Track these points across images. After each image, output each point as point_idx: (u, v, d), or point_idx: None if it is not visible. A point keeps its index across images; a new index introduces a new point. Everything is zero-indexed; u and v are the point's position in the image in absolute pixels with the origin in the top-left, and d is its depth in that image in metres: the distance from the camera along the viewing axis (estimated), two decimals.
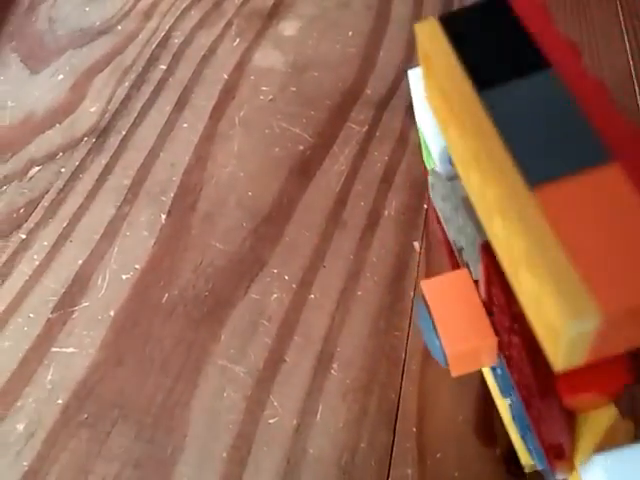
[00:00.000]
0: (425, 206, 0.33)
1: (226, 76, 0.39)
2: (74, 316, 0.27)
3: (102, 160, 0.33)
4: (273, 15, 0.44)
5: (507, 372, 0.17)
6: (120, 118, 0.35)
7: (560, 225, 0.11)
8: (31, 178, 0.32)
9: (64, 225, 0.30)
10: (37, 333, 0.26)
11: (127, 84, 0.37)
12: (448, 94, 0.13)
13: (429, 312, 0.18)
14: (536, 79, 0.13)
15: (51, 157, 0.33)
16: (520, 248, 0.11)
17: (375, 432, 0.24)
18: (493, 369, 0.20)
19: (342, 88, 0.39)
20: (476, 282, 0.18)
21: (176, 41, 0.41)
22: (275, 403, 0.25)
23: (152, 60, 0.39)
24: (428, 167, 0.24)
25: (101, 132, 0.35)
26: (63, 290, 0.28)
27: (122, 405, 0.25)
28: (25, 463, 0.23)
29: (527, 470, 0.21)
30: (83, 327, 0.27)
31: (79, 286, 0.28)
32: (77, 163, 0.33)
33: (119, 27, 0.41)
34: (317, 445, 0.24)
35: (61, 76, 0.37)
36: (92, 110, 0.36)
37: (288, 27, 0.43)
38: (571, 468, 0.17)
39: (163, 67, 0.39)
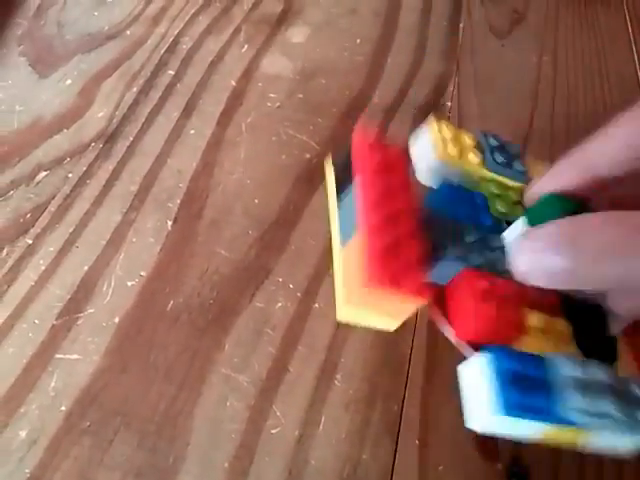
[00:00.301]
0: None
1: (234, 82, 0.39)
2: (79, 322, 0.27)
3: (109, 166, 0.33)
4: (281, 22, 0.44)
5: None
6: (128, 124, 0.35)
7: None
8: (38, 183, 0.32)
9: (70, 230, 0.30)
10: (41, 339, 0.26)
11: (135, 89, 0.37)
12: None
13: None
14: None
15: (58, 162, 0.33)
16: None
17: (378, 444, 0.24)
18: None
19: (349, 95, 0.39)
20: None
21: (184, 47, 0.41)
22: (278, 413, 0.25)
23: (160, 65, 0.39)
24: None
25: (108, 138, 0.35)
26: (68, 296, 0.28)
27: (125, 413, 0.25)
28: (27, 470, 0.23)
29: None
30: (88, 334, 0.27)
31: (84, 292, 0.28)
32: (84, 168, 0.33)
33: (128, 32, 0.41)
34: (319, 456, 0.24)
35: (69, 81, 0.38)
36: (100, 115, 0.36)
37: (296, 34, 0.43)
38: None
39: (171, 73, 0.39)
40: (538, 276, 0.20)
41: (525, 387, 0.20)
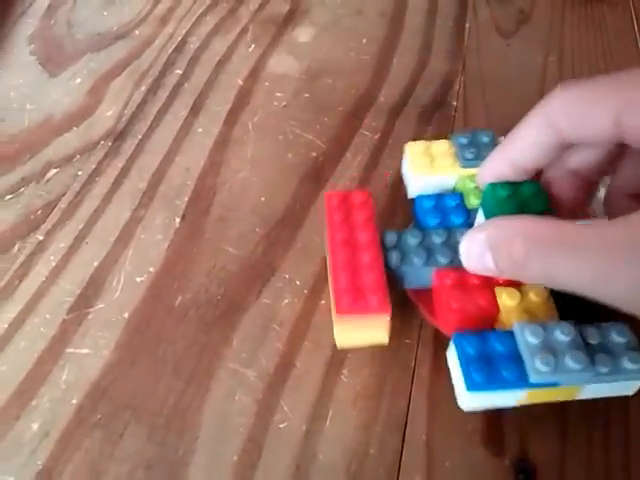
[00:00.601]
0: None
1: (241, 82, 0.39)
2: (89, 317, 0.27)
3: (118, 164, 0.34)
4: (288, 22, 0.44)
5: None
6: (136, 122, 0.36)
7: None
8: (48, 180, 0.33)
9: (80, 227, 0.31)
10: (53, 334, 0.27)
11: (143, 88, 0.38)
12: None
13: None
14: None
15: (68, 160, 0.34)
16: None
17: (385, 439, 0.25)
18: None
19: (355, 95, 0.39)
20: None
21: (192, 46, 0.41)
22: (285, 408, 0.25)
23: (168, 65, 0.40)
24: None
25: (118, 136, 0.35)
26: (79, 291, 0.28)
27: (135, 407, 0.25)
28: (39, 462, 0.24)
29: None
30: (98, 328, 0.27)
31: (94, 288, 0.28)
32: (94, 166, 0.33)
33: (136, 32, 0.42)
34: (326, 451, 0.24)
35: (79, 80, 0.38)
36: (109, 114, 0.36)
37: (303, 34, 0.43)
38: None
39: (179, 72, 0.39)
40: (481, 272, 0.23)
41: (492, 364, 0.22)
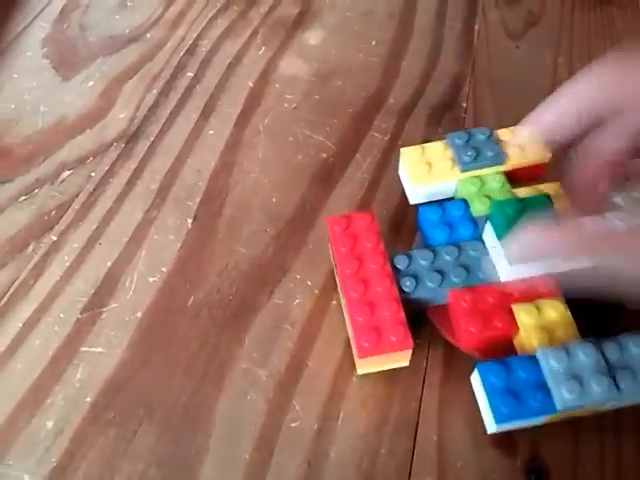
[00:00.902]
0: None
1: (251, 84, 0.40)
2: (103, 317, 0.28)
3: (131, 165, 0.34)
4: (298, 24, 0.45)
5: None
6: (148, 124, 0.36)
7: None
8: (62, 182, 0.33)
9: (94, 228, 0.31)
10: (67, 333, 0.27)
11: (155, 91, 0.38)
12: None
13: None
14: None
15: (82, 161, 0.34)
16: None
17: (396, 439, 0.25)
18: None
19: (365, 97, 0.40)
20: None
21: (203, 49, 0.42)
22: (297, 407, 0.25)
23: (180, 68, 0.40)
24: None
25: (130, 138, 0.35)
26: (92, 291, 0.29)
27: (148, 405, 0.25)
28: (53, 459, 0.24)
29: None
30: (111, 328, 0.27)
31: (108, 288, 0.29)
32: (107, 168, 0.34)
33: (148, 35, 0.42)
34: (338, 450, 0.24)
35: (91, 83, 0.38)
36: (121, 116, 0.37)
37: (313, 36, 0.44)
38: None
39: (190, 75, 0.40)
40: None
41: (517, 395, 0.21)
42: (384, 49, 0.43)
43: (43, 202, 0.32)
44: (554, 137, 0.24)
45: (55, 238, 0.30)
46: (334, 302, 0.29)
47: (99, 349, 0.27)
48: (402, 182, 0.30)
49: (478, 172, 0.28)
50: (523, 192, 0.27)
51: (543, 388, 0.22)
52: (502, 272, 0.24)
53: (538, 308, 0.24)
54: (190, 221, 0.32)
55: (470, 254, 0.25)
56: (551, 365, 0.22)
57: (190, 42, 0.42)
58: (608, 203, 0.26)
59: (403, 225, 0.32)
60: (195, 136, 0.36)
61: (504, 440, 0.24)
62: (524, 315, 0.24)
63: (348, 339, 0.28)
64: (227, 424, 0.25)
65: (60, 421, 0.25)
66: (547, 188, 0.27)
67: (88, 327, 0.27)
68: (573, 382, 0.21)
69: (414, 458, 0.24)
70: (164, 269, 0.30)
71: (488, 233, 0.25)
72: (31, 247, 0.30)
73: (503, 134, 0.29)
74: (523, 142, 0.27)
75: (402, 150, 0.29)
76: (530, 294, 0.24)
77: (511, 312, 0.24)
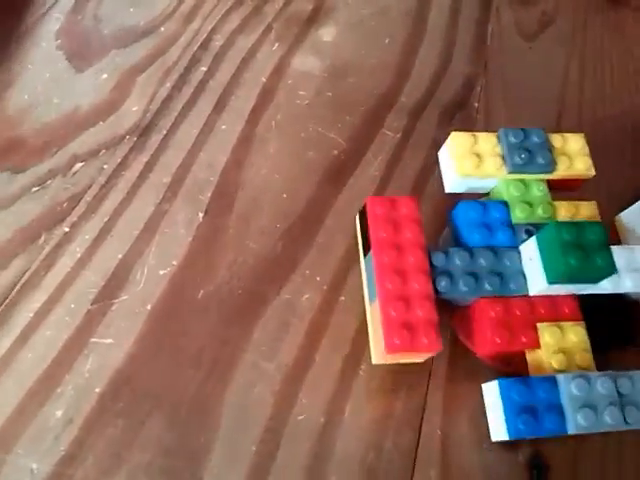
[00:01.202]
0: None
1: (264, 79, 0.40)
2: (113, 308, 0.28)
3: (143, 158, 0.34)
4: (312, 21, 0.45)
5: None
6: (161, 118, 0.36)
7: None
8: (75, 173, 0.33)
9: (105, 220, 0.31)
10: (77, 324, 0.27)
11: (169, 85, 0.38)
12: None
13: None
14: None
15: (94, 154, 0.34)
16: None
17: (400, 433, 0.25)
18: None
19: (377, 94, 0.40)
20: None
21: (217, 44, 0.42)
22: (304, 400, 0.26)
23: (193, 62, 0.40)
24: None
25: (143, 131, 0.36)
26: (103, 283, 0.29)
27: (156, 396, 0.25)
28: (62, 448, 0.24)
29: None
30: (121, 319, 0.28)
31: (118, 280, 0.29)
32: (119, 160, 0.34)
33: (162, 28, 0.42)
34: (343, 443, 0.24)
35: (105, 75, 0.39)
36: (134, 109, 0.37)
37: (326, 33, 0.44)
38: None
39: (204, 69, 0.40)
40: None
41: (534, 413, 0.22)
42: (397, 47, 0.43)
43: (55, 193, 0.32)
44: None
45: (67, 229, 0.31)
46: (342, 298, 0.29)
47: (109, 340, 0.27)
48: (441, 165, 0.29)
49: (522, 176, 0.27)
50: (563, 207, 0.27)
51: (558, 410, 0.22)
52: (533, 287, 0.25)
53: (561, 330, 0.24)
54: (201, 215, 0.32)
55: (505, 263, 0.25)
56: (571, 391, 0.22)
57: (204, 36, 0.42)
58: None
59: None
60: (208, 130, 0.36)
61: None
62: (548, 336, 0.24)
63: (355, 335, 0.28)
64: (234, 416, 0.25)
65: (69, 410, 0.25)
66: (585, 207, 0.27)
67: (98, 318, 0.28)
68: (588, 410, 0.22)
69: (418, 452, 0.24)
70: (174, 262, 0.30)
71: (530, 247, 0.25)
72: (43, 238, 0.30)
73: (556, 140, 0.28)
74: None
75: (452, 134, 0.28)
76: (555, 313, 0.25)
77: (535, 329, 0.24)
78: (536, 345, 0.24)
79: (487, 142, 0.28)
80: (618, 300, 0.26)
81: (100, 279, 0.29)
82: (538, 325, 0.25)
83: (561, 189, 0.29)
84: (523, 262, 0.25)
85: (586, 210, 0.28)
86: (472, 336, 0.25)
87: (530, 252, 0.25)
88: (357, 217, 0.28)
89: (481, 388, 0.25)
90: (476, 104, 0.40)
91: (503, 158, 0.27)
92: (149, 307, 0.28)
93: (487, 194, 0.29)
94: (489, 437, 0.24)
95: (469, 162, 0.27)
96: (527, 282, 0.25)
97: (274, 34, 0.43)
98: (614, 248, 0.24)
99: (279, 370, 0.26)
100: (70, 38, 0.41)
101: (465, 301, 0.26)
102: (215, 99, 0.38)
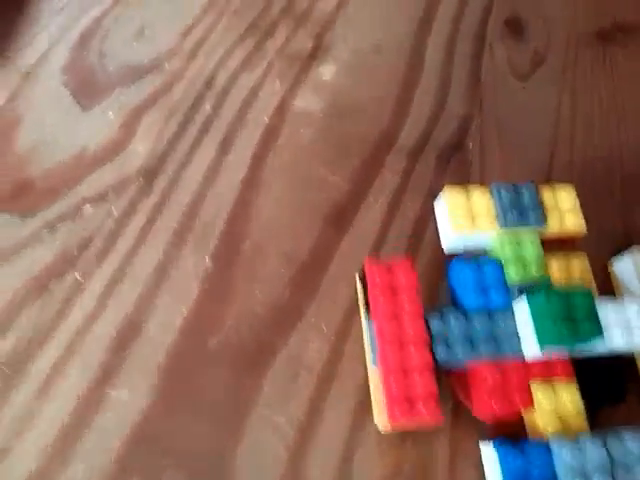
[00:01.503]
0: None
1: (267, 119, 0.41)
2: (127, 359, 0.29)
3: (151, 201, 0.35)
4: (312, 58, 0.46)
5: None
6: (168, 159, 0.37)
7: None
8: (84, 217, 0.34)
9: (116, 267, 0.32)
10: (92, 376, 0.28)
11: (174, 124, 0.39)
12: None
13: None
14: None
15: (102, 196, 0.35)
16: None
17: None
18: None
19: (377, 134, 0.41)
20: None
21: (220, 81, 0.43)
22: (316, 454, 0.27)
23: (198, 100, 0.41)
24: None
25: (149, 172, 0.36)
26: (116, 333, 0.30)
27: (172, 452, 0.26)
28: None
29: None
30: (135, 371, 0.29)
31: (131, 329, 0.30)
32: (127, 203, 0.35)
33: (166, 65, 0.43)
34: None
35: (111, 113, 0.39)
36: (141, 149, 0.37)
37: (326, 71, 0.45)
38: None
39: (208, 108, 0.41)
40: None
41: (529, 477, 0.23)
42: (394, 86, 0.44)
43: (65, 239, 0.33)
44: None
45: (78, 277, 0.31)
46: (348, 347, 0.30)
47: (123, 393, 0.28)
48: (437, 220, 0.30)
49: (516, 232, 0.29)
50: (555, 262, 0.29)
51: (553, 476, 0.23)
52: (527, 351, 0.26)
53: (554, 389, 0.25)
54: (209, 261, 0.33)
55: (500, 325, 0.27)
56: (564, 459, 0.23)
57: (207, 74, 0.43)
58: None
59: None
60: (213, 172, 0.37)
61: None
62: (542, 396, 0.25)
63: (363, 386, 0.29)
64: (249, 471, 0.26)
65: (88, 470, 0.26)
66: (575, 258, 0.29)
67: (111, 370, 0.28)
68: (580, 478, 0.23)
69: None
70: (184, 310, 0.31)
71: (522, 310, 0.26)
72: (54, 286, 0.31)
73: (547, 194, 0.29)
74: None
75: (445, 190, 0.29)
76: (548, 371, 0.26)
77: (529, 389, 0.26)
78: (530, 404, 0.26)
79: (480, 197, 0.29)
80: (609, 356, 0.27)
81: (113, 329, 0.30)
82: (532, 385, 0.26)
83: (553, 244, 0.30)
84: (517, 324, 0.27)
85: (577, 263, 0.29)
86: (469, 398, 0.27)
87: (523, 316, 0.26)
88: (357, 276, 0.29)
89: (483, 440, 0.26)
90: (471, 145, 0.41)
91: (495, 213, 0.29)
92: (161, 358, 0.29)
93: (484, 251, 0.31)
94: None
95: (464, 217, 0.28)
96: (521, 344, 0.26)
97: (276, 72, 0.44)
98: (605, 303, 0.26)
99: (290, 423, 0.27)
100: (76, 75, 0.42)
101: (462, 365, 0.27)
102: (220, 139, 0.39)
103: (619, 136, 0.45)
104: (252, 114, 0.41)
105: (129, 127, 0.39)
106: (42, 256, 0.32)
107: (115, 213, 0.34)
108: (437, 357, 0.26)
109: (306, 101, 0.42)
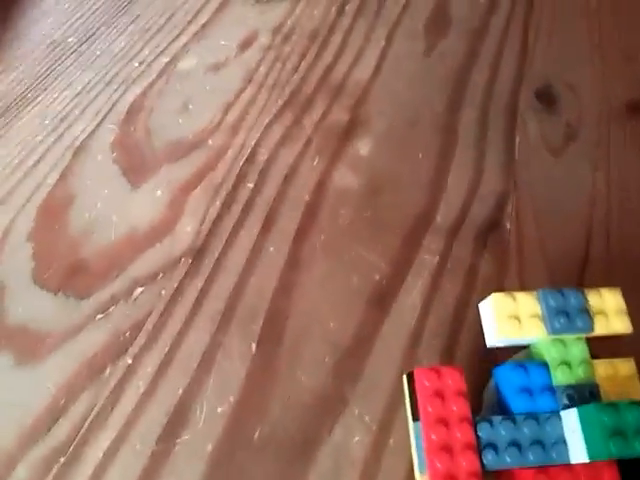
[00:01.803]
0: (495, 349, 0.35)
1: (307, 197, 0.42)
2: (176, 449, 0.30)
3: (198, 283, 0.36)
4: (349, 132, 0.47)
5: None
6: (213, 239, 0.38)
7: None
8: (135, 299, 0.35)
9: (165, 351, 0.33)
10: (143, 466, 0.29)
11: (218, 202, 0.41)
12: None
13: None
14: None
15: (153, 278, 0.36)
16: None
17: None
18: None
19: (414, 213, 0.42)
20: None
21: (261, 158, 0.44)
22: None
23: (240, 177, 0.42)
24: None
25: (196, 253, 0.38)
26: (166, 421, 0.30)
27: None
28: None
29: None
30: (183, 461, 0.29)
31: (180, 417, 0.31)
32: (176, 285, 0.36)
33: (210, 141, 0.45)
34: None
35: (159, 192, 0.41)
36: (188, 229, 0.39)
37: (362, 146, 0.46)
38: None
39: (250, 185, 0.42)
40: None
41: None
42: (430, 161, 0.45)
43: (118, 322, 0.34)
44: None
45: (130, 361, 0.32)
46: (391, 440, 0.31)
47: None
48: (483, 321, 0.31)
49: (563, 337, 0.29)
50: (601, 367, 0.29)
51: None
52: (574, 457, 0.26)
53: None
54: (254, 346, 0.34)
55: (547, 430, 0.27)
56: None
57: (249, 150, 0.45)
58: None
59: (455, 356, 0.33)
60: (257, 252, 0.38)
61: None
62: None
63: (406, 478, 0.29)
64: None
65: None
66: (623, 366, 0.29)
67: (162, 460, 0.29)
68: None
69: None
70: (232, 398, 0.32)
71: (571, 419, 0.26)
72: (108, 371, 0.32)
73: (593, 298, 0.30)
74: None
75: (493, 296, 0.30)
76: (594, 475, 0.26)
77: None
78: None
79: (527, 303, 0.30)
80: None
81: (163, 416, 0.31)
82: None
83: (599, 340, 0.30)
84: (565, 430, 0.27)
85: (624, 369, 0.30)
86: None
87: (572, 425, 0.26)
88: (405, 378, 0.29)
89: None
90: (508, 224, 0.42)
91: (543, 319, 0.29)
92: (209, 448, 0.30)
93: (526, 346, 0.31)
94: None
95: (510, 324, 0.29)
96: (568, 450, 0.27)
97: (314, 147, 0.46)
98: None
99: None
100: (125, 151, 0.44)
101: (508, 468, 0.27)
102: (262, 218, 0.40)
103: None
104: (293, 192, 0.42)
105: (176, 206, 0.41)
106: (97, 339, 0.33)
107: (164, 296, 0.36)
108: (485, 462, 0.26)
109: (344, 177, 0.44)
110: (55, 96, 0.46)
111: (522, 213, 0.43)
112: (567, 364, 0.29)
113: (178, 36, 0.51)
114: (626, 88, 0.54)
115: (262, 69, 0.50)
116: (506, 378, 0.28)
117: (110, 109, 0.46)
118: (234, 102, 0.48)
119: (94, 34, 0.50)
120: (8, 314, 0.35)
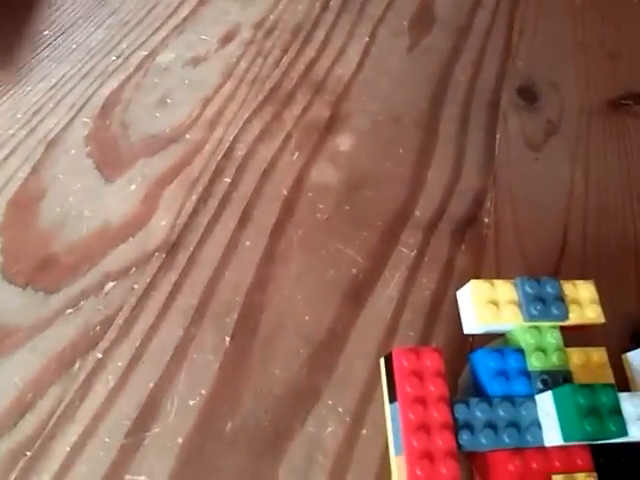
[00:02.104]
0: (471, 339, 0.35)
1: (285, 192, 0.42)
2: (145, 442, 0.29)
3: (172, 277, 0.36)
4: (330, 128, 0.47)
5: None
6: (188, 233, 0.38)
7: None
8: (106, 294, 0.34)
9: (137, 345, 0.32)
10: (111, 459, 0.28)
11: (194, 197, 0.40)
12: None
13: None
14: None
15: (125, 272, 0.36)
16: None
17: None
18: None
19: (393, 208, 0.42)
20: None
21: (239, 153, 0.44)
22: None
23: (217, 172, 0.42)
24: None
25: (171, 247, 0.37)
26: (135, 414, 0.30)
27: None
28: None
29: None
30: (153, 454, 0.29)
31: (150, 410, 0.30)
32: (148, 279, 0.35)
33: (187, 136, 0.44)
34: None
35: (134, 186, 0.40)
36: (162, 224, 0.38)
37: (343, 142, 0.46)
38: None
39: (227, 180, 0.42)
40: None
41: None
42: (410, 158, 0.45)
43: (88, 316, 0.33)
44: None
45: (100, 355, 0.32)
46: (364, 431, 0.30)
47: (142, 478, 0.28)
48: (460, 308, 0.31)
49: (538, 324, 0.30)
50: (575, 355, 0.29)
51: None
52: (549, 440, 0.26)
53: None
54: (228, 339, 0.33)
55: (522, 413, 0.27)
56: None
57: (227, 145, 0.44)
58: None
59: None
60: (232, 247, 0.38)
61: None
62: None
63: (378, 471, 0.29)
64: None
65: None
66: (595, 354, 0.29)
67: (132, 453, 0.29)
68: None
69: None
70: (203, 391, 0.31)
71: (546, 402, 0.26)
72: (77, 365, 0.32)
73: (568, 288, 0.30)
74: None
75: (472, 283, 0.30)
76: (569, 464, 0.26)
77: (549, 477, 0.26)
78: None
79: (505, 290, 0.30)
80: (628, 446, 0.27)
81: (133, 410, 0.30)
82: (553, 477, 0.26)
83: (575, 331, 0.31)
84: (539, 414, 0.27)
85: (596, 357, 0.30)
86: None
87: (547, 407, 0.26)
88: (382, 361, 0.29)
89: None
90: (486, 219, 0.42)
91: (519, 306, 0.29)
92: (180, 441, 0.29)
93: (503, 334, 0.31)
94: None
95: (488, 310, 0.29)
96: (543, 433, 0.27)
97: (294, 143, 0.45)
98: (623, 396, 0.26)
99: None
100: (99, 145, 0.43)
101: (483, 450, 0.27)
102: (239, 213, 0.40)
103: (632, 214, 0.45)
104: (270, 187, 0.42)
105: (151, 201, 0.40)
106: (66, 333, 0.33)
107: (137, 290, 0.35)
108: (461, 442, 0.26)
109: (324, 173, 0.43)
110: (29, 89, 0.45)
111: (500, 208, 0.43)
112: (542, 350, 0.29)
113: (158, 30, 0.50)
114: (608, 85, 0.55)
115: (243, 64, 0.49)
116: (482, 362, 0.29)
117: (85, 102, 0.46)
118: (213, 97, 0.47)
119: (71, 26, 0.50)
120: None
